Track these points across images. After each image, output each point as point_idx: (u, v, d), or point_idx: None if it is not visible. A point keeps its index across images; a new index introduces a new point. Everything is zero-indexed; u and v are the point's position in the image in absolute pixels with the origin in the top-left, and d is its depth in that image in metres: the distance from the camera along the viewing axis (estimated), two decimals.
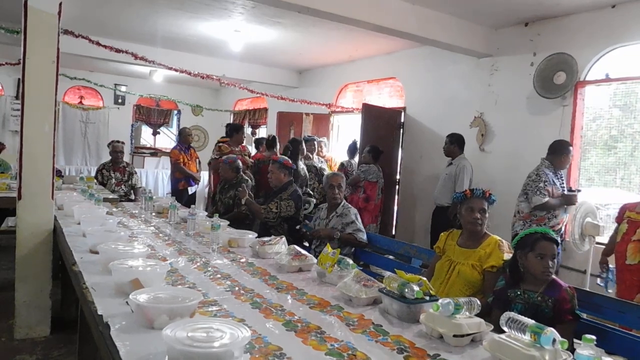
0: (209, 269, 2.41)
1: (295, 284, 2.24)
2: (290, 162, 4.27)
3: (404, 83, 7.12)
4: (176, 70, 6.94)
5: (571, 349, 1.68)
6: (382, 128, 6.59)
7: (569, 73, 4.89)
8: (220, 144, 6.41)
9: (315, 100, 7.94)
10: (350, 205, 3.82)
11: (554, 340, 1.40)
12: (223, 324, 1.40)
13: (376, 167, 5.87)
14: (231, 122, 11.91)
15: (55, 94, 3.45)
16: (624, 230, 3.62)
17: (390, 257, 3.97)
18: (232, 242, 3.01)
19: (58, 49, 3.41)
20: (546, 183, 4.12)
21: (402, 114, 6.92)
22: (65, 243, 2.79)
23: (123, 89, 11.06)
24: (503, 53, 5.66)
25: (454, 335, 1.59)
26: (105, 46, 6.10)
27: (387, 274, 2.85)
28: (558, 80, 4.96)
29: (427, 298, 1.84)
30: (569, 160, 4.30)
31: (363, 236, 3.63)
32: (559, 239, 2.26)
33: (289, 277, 2.37)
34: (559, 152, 4.22)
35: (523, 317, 1.51)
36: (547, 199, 4.08)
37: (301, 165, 5.94)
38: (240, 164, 4.90)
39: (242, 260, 2.64)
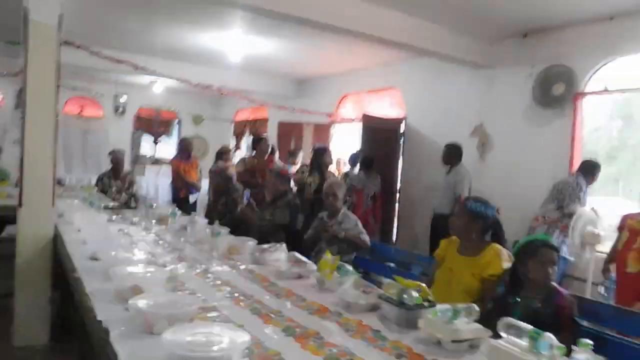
0: (209, 275, 2.41)
1: (295, 290, 2.25)
2: (287, 171, 4.29)
3: (404, 93, 7.16)
4: (176, 80, 6.98)
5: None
6: (382, 138, 6.62)
7: (568, 84, 4.92)
8: (245, 158, 6.15)
9: (316, 110, 7.97)
10: (350, 213, 3.83)
11: (551, 346, 1.40)
12: (222, 329, 1.41)
13: (364, 175, 5.90)
14: (232, 131, 11.97)
15: (56, 104, 3.48)
16: (625, 239, 3.65)
17: (391, 264, 3.96)
18: (233, 250, 3.01)
19: (58, 59, 3.45)
20: (585, 194, 4.37)
21: (402, 123, 6.95)
22: (66, 250, 2.80)
23: (123, 99, 11.10)
24: (502, 64, 5.69)
25: (452, 341, 1.59)
26: (105, 57, 6.13)
27: (387, 281, 2.85)
28: (557, 92, 4.99)
29: (426, 304, 1.84)
30: (596, 180, 4.54)
31: (366, 238, 3.65)
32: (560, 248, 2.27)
33: (288, 283, 2.37)
34: (591, 172, 4.46)
35: (521, 322, 1.51)
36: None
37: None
38: (232, 174, 4.96)
39: (242, 267, 2.64)
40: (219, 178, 4.80)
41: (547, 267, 2.13)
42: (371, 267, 3.80)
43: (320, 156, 5.39)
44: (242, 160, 6.21)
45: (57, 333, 3.53)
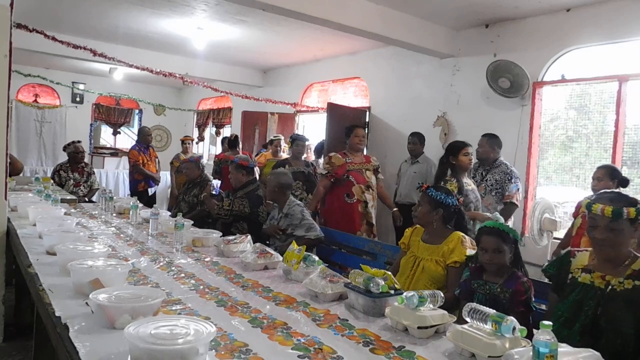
0: (173, 268, 2.37)
1: (261, 281, 2.23)
2: (247, 161, 4.24)
3: (369, 83, 7.19)
4: (137, 67, 6.77)
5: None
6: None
7: (514, 80, 5.06)
8: (331, 155, 4.54)
9: (281, 100, 7.91)
10: (295, 201, 3.68)
11: (514, 329, 1.44)
12: (187, 321, 1.37)
13: None
14: (194, 121, 11.72)
15: (8, 91, 3.30)
16: (578, 225, 3.78)
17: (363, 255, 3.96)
18: (197, 242, 2.96)
19: (10, 42, 3.27)
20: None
21: (367, 113, 6.98)
22: (20, 245, 2.69)
23: (81, 87, 10.71)
24: (465, 53, 5.79)
25: (419, 327, 1.62)
26: (62, 42, 5.88)
27: (354, 270, 2.87)
28: (504, 85, 5.15)
29: (392, 292, 1.86)
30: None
31: (315, 231, 3.50)
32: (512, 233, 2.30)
33: (254, 275, 2.35)
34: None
35: (484, 307, 1.55)
36: None
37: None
38: (203, 164, 4.86)
39: (206, 260, 2.60)
40: (195, 167, 4.72)
41: (488, 254, 2.20)
42: (337, 258, 3.81)
43: (454, 156, 3.73)
44: (328, 157, 4.54)
45: (12, 333, 3.39)
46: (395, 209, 4.81)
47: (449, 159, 3.78)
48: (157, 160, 6.92)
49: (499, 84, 5.16)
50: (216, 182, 6.28)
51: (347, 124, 6.53)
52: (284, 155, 6.66)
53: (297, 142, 5.12)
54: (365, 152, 5.19)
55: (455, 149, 3.78)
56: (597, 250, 1.88)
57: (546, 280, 3.76)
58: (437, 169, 3.90)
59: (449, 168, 3.68)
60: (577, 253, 2.01)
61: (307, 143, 5.93)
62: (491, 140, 4.42)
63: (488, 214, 3.48)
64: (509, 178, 4.27)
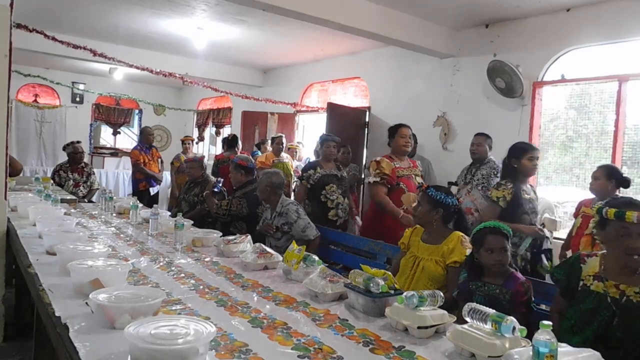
0: (173, 268, 2.37)
1: (261, 281, 2.23)
2: (246, 161, 4.23)
3: (369, 83, 7.19)
4: (137, 67, 6.77)
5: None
6: (347, 127, 6.63)
7: (508, 82, 5.08)
8: (378, 160, 3.89)
9: (280, 100, 7.92)
10: (288, 200, 3.64)
11: (514, 329, 1.44)
12: (187, 321, 1.37)
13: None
14: (194, 121, 11.72)
15: (8, 91, 3.30)
16: (578, 225, 3.79)
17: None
18: (197, 242, 2.96)
19: (10, 42, 3.27)
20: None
21: (367, 113, 6.99)
22: (20, 245, 2.69)
23: (81, 87, 10.71)
24: (465, 53, 5.79)
25: (418, 327, 1.62)
26: (62, 42, 5.88)
27: (353, 270, 2.87)
28: (499, 85, 5.16)
29: (392, 292, 1.86)
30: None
31: (312, 231, 3.49)
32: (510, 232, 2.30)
33: (254, 275, 2.35)
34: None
35: (484, 307, 1.55)
36: None
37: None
38: (205, 164, 4.87)
39: (206, 260, 2.60)
40: (198, 167, 4.73)
41: (495, 254, 2.19)
42: (337, 257, 3.81)
43: (517, 159, 3.28)
44: (376, 162, 3.88)
45: (12, 333, 3.39)
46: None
47: (510, 161, 3.33)
48: (159, 160, 6.93)
49: (496, 84, 5.18)
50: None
51: (347, 124, 6.59)
52: (285, 155, 6.65)
53: (327, 142, 4.44)
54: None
55: (519, 151, 3.30)
56: (631, 261, 1.77)
57: (547, 280, 3.75)
58: (502, 170, 3.52)
59: (512, 170, 3.29)
60: (587, 259, 1.94)
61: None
62: (489, 140, 4.58)
63: (537, 227, 3.22)
64: (495, 173, 4.34)
